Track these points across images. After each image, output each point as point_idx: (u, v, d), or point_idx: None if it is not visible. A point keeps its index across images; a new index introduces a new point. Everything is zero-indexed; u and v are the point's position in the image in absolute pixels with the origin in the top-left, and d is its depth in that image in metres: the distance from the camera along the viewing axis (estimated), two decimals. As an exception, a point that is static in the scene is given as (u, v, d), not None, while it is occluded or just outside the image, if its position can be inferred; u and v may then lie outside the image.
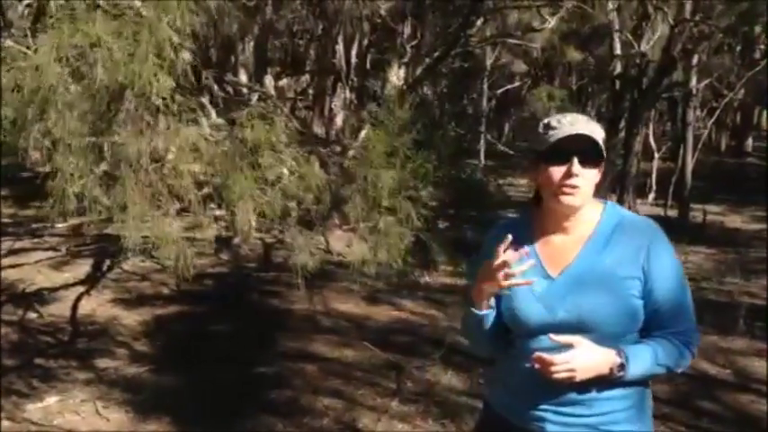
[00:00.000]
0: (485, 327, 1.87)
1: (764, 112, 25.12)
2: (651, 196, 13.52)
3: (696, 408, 4.57)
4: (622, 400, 1.81)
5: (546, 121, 1.80)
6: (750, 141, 22.81)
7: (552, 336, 1.72)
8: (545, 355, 1.70)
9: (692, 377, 5.09)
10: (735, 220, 12.44)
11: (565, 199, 1.77)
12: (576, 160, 1.74)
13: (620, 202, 11.12)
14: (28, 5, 3.97)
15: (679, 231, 10.71)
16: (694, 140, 12.67)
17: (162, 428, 4.23)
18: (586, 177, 1.76)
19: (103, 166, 3.09)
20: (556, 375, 1.71)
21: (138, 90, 2.75)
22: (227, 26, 5.03)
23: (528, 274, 1.80)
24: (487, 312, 1.85)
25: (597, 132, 1.78)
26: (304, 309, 6.43)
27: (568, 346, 1.72)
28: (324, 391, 4.75)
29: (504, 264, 1.72)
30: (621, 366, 1.73)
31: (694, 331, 1.84)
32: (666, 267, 1.80)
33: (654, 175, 13.64)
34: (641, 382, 1.84)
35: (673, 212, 12.21)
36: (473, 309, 1.85)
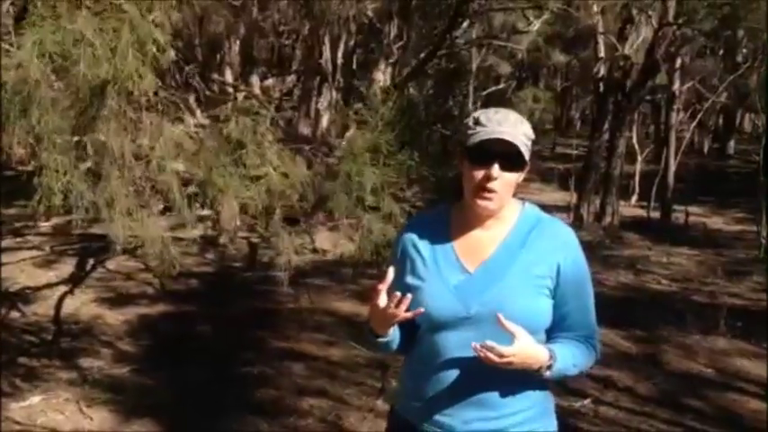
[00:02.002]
0: (392, 347, 1.88)
1: (747, 115, 25.37)
2: (634, 198, 13.62)
3: (679, 405, 4.61)
4: (527, 402, 1.82)
5: (477, 114, 1.78)
6: (732, 144, 23.01)
7: (502, 318, 1.68)
8: (498, 346, 1.66)
9: (674, 375, 5.15)
10: (717, 222, 12.55)
11: (481, 202, 1.77)
12: (496, 166, 1.73)
13: (604, 203, 11.19)
14: (12, 3, 3.94)
15: (662, 232, 10.84)
16: (677, 143, 12.79)
17: (145, 428, 4.21)
18: (505, 181, 1.75)
19: (88, 163, 3.08)
20: (493, 362, 1.67)
21: (120, 86, 2.74)
22: (212, 25, 5.03)
23: (444, 268, 1.81)
24: (393, 337, 1.85)
25: (524, 136, 1.76)
26: (290, 308, 6.42)
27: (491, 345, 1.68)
28: (309, 390, 4.75)
29: (390, 302, 1.71)
30: (549, 367, 1.75)
31: (598, 337, 1.88)
32: (579, 273, 1.82)
33: (637, 177, 13.74)
34: (546, 386, 1.86)
35: (656, 214, 12.31)
36: (378, 338, 1.84)
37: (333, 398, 4.63)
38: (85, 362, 5.13)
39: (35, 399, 4.49)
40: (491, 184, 1.74)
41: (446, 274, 1.80)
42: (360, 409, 4.47)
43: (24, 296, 6.40)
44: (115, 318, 6.12)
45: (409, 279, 1.83)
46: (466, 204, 1.83)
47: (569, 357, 1.79)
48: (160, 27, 3.02)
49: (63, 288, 6.52)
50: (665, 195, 12.28)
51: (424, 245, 1.86)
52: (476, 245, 1.83)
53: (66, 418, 4.30)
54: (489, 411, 1.79)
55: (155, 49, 2.95)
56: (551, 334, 1.83)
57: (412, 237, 1.88)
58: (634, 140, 13.73)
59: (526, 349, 1.70)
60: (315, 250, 5.65)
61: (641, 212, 12.70)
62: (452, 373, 1.79)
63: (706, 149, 22.74)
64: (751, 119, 25.56)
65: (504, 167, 1.74)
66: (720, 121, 23.49)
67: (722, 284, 7.88)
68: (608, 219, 11.16)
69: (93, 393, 4.60)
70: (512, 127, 1.74)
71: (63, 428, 4.18)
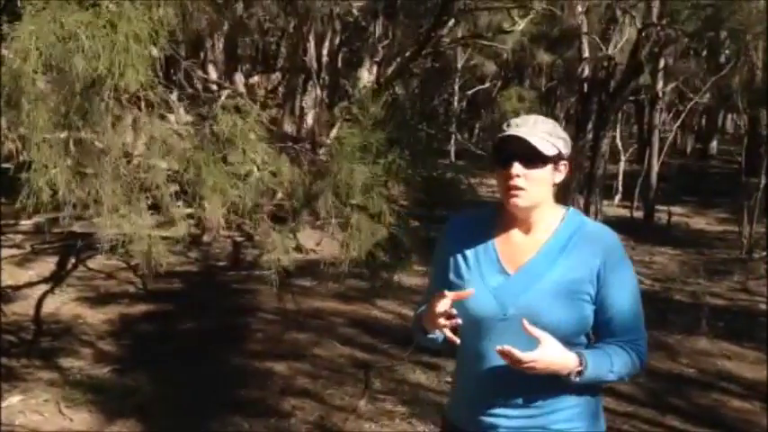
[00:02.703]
0: (438, 341, 1.92)
1: (729, 116, 25.60)
2: (617, 198, 13.69)
3: (661, 405, 4.63)
4: (573, 400, 1.83)
5: (504, 123, 1.85)
6: (715, 144, 23.21)
7: (526, 323, 1.72)
8: (517, 352, 1.69)
9: (656, 375, 5.17)
10: (699, 222, 12.65)
11: (511, 201, 1.80)
12: (516, 163, 1.77)
13: (587, 203, 11.23)
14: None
15: (644, 232, 10.91)
16: (660, 143, 12.85)
17: (126, 429, 4.16)
18: (532, 178, 1.78)
19: (76, 159, 3.04)
20: (515, 366, 1.71)
21: (116, 81, 2.70)
22: (196, 21, 4.97)
23: (485, 269, 1.84)
24: (439, 334, 1.88)
25: (545, 133, 1.79)
26: (273, 308, 6.39)
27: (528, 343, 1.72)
28: (292, 390, 4.72)
29: (445, 313, 1.76)
30: (579, 373, 1.75)
31: (645, 342, 1.87)
32: (622, 277, 1.82)
33: (620, 177, 13.82)
34: (593, 387, 1.87)
35: (638, 214, 12.38)
36: (428, 335, 1.90)
37: (316, 398, 4.61)
38: (66, 362, 5.08)
39: (14, 399, 4.43)
40: (515, 182, 1.77)
41: (486, 275, 1.84)
42: (343, 409, 4.45)
43: (4, 295, 6.32)
44: (96, 317, 6.06)
45: (452, 277, 1.88)
46: (506, 213, 1.88)
47: (605, 364, 1.79)
48: (158, 23, 2.98)
49: (44, 287, 6.46)
50: (648, 195, 12.35)
51: (467, 244, 1.89)
52: (517, 248, 1.86)
53: (45, 419, 4.24)
54: (535, 410, 1.82)
55: (150, 46, 2.91)
56: (595, 339, 1.85)
57: (456, 236, 1.93)
58: (618, 140, 13.80)
59: (549, 355, 1.71)
60: (299, 249, 5.61)
61: (624, 212, 12.77)
62: (492, 374, 1.81)
63: (689, 150, 22.93)
64: (733, 119, 25.79)
65: (527, 164, 1.77)
66: (703, 121, 23.67)
67: (704, 284, 7.94)
68: (591, 218, 11.19)
69: (74, 394, 4.54)
70: (530, 126, 1.79)
71: (42, 429, 4.13)
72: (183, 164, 3.12)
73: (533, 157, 1.77)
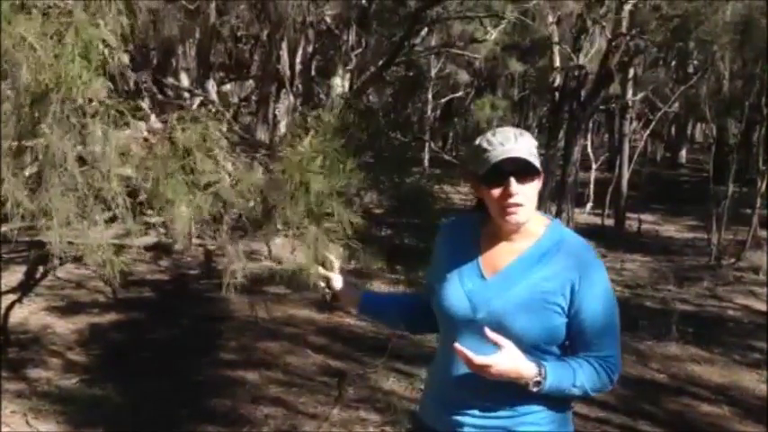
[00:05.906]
0: (376, 316, 2.30)
1: (698, 125, 26.00)
2: (589, 206, 13.82)
3: (633, 411, 4.68)
4: (538, 407, 1.85)
5: (478, 143, 1.85)
6: (684, 153, 23.55)
7: (487, 330, 1.75)
8: (470, 354, 1.72)
9: (628, 381, 5.22)
10: (669, 229, 12.81)
11: (511, 218, 1.82)
12: (512, 180, 1.78)
13: (559, 211, 11.33)
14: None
15: (615, 240, 11.02)
16: (630, 151, 12.99)
17: (96, 440, 4.11)
18: (526, 193, 1.81)
19: (28, 171, 2.98)
20: (470, 368, 1.75)
21: (64, 93, 2.65)
22: (167, 28, 4.93)
23: (464, 271, 1.89)
24: (365, 310, 2.19)
25: (529, 147, 1.81)
26: (245, 316, 6.35)
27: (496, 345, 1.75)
28: (264, 399, 4.70)
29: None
30: (537, 383, 1.76)
31: (618, 359, 1.86)
32: (596, 292, 1.82)
33: (591, 185, 13.95)
34: (562, 400, 1.88)
35: (609, 221, 12.50)
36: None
37: (288, 406, 4.59)
38: (33, 372, 5.00)
39: (-21, 411, 4.35)
40: (515, 199, 1.79)
41: (465, 277, 1.89)
42: (316, 417, 4.44)
43: (-30, 305, 6.21)
44: (65, 327, 5.97)
45: (435, 276, 1.96)
46: (493, 220, 1.89)
47: (568, 378, 1.80)
48: (110, 32, 2.94)
49: (11, 297, 6.34)
50: (619, 203, 12.47)
51: (452, 245, 1.97)
52: (498, 254, 1.89)
53: (12, 430, 4.17)
54: (501, 411, 1.84)
55: (104, 54, 2.86)
56: (569, 352, 1.85)
57: (445, 236, 2.02)
58: (589, 149, 13.94)
59: (505, 362, 1.73)
60: (270, 258, 5.57)
61: (596, 220, 12.89)
62: (460, 373, 1.85)
63: (659, 158, 23.22)
64: (702, 128, 26.21)
65: (521, 180, 1.80)
66: (672, 130, 24.00)
67: (674, 291, 8.04)
68: (565, 226, 11.28)
69: (41, 405, 4.48)
70: (513, 143, 1.80)
71: (8, 442, 4.06)
72: (142, 173, 3.08)
73: (528, 173, 1.80)
